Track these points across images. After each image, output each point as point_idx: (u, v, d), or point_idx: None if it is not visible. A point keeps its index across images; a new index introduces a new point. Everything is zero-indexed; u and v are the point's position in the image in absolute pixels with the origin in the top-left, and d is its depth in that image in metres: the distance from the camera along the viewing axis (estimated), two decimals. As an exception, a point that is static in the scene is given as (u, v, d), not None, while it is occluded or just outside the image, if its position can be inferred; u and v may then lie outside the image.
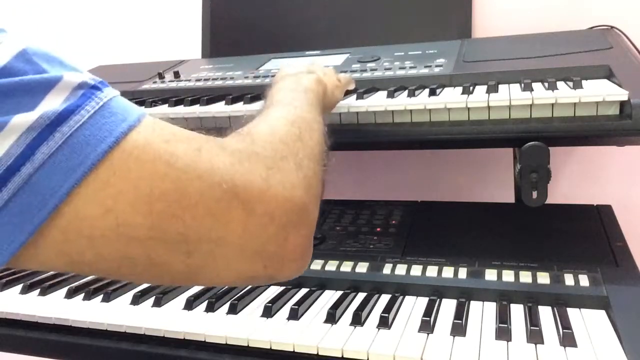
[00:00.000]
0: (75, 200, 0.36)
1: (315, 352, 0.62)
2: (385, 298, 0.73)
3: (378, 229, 0.89)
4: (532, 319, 0.64)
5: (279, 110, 0.55)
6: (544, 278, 0.72)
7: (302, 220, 0.45)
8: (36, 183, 0.35)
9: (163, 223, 0.39)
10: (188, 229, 0.39)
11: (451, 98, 0.74)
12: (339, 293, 0.76)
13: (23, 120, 0.35)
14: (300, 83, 0.64)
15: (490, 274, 0.74)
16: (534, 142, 0.67)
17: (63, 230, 0.37)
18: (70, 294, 0.80)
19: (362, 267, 0.79)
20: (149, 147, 0.39)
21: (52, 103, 0.36)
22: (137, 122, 0.39)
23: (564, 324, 0.62)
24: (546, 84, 0.73)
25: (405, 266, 0.78)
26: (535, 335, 0.61)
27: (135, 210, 0.38)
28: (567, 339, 0.59)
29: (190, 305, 0.74)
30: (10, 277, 0.88)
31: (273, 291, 0.78)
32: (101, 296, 0.79)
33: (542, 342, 0.60)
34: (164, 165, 0.39)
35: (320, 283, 0.79)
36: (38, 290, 0.83)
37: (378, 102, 0.77)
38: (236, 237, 0.41)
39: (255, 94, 0.84)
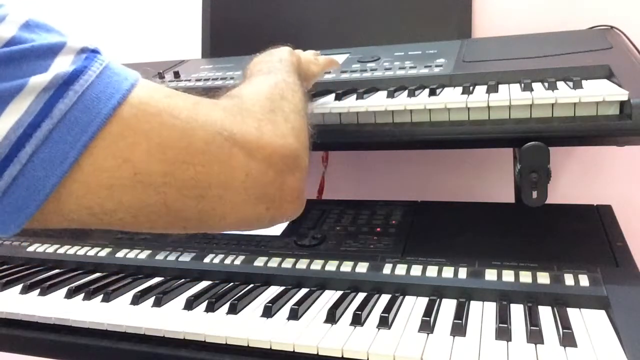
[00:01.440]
0: (93, 153, 0.39)
1: (315, 352, 0.62)
2: (385, 298, 0.73)
3: (378, 229, 0.89)
4: (532, 319, 0.64)
5: (261, 77, 0.59)
6: (544, 278, 0.72)
7: (297, 165, 0.49)
8: (56, 138, 0.38)
9: (176, 169, 0.42)
10: (198, 174, 0.43)
11: (451, 98, 0.74)
12: (339, 293, 0.76)
13: (39, 80, 0.37)
14: (274, 55, 0.68)
15: (490, 274, 0.74)
16: (534, 142, 0.67)
17: (84, 182, 0.39)
18: (70, 294, 0.80)
19: (362, 267, 0.79)
20: (153, 101, 0.42)
21: (62, 65, 0.39)
22: (137, 81, 0.43)
23: (564, 324, 0.62)
24: (546, 84, 0.73)
25: (405, 266, 0.78)
26: (535, 335, 0.61)
27: (149, 159, 0.41)
28: (567, 339, 0.59)
29: (190, 305, 0.74)
30: (11, 277, 0.88)
31: (273, 291, 0.78)
32: (101, 296, 0.79)
33: (542, 342, 0.60)
34: (169, 117, 0.42)
35: (320, 283, 0.79)
36: (38, 290, 0.83)
37: (378, 102, 0.77)
38: (240, 180, 0.45)
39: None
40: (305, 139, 0.53)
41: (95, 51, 0.42)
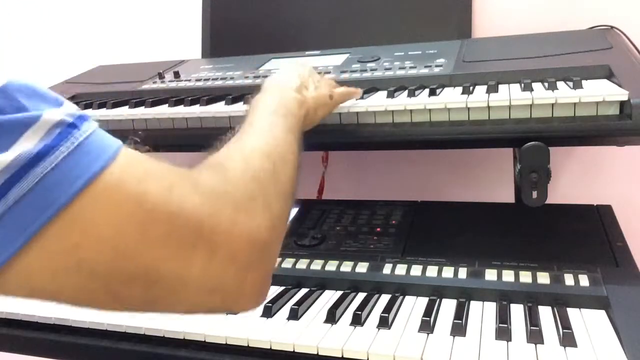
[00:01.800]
0: (41, 238, 0.37)
1: (315, 352, 0.62)
2: (385, 298, 0.73)
3: (378, 229, 0.89)
4: (532, 319, 0.64)
5: (256, 139, 0.55)
6: (544, 278, 0.72)
7: (263, 260, 0.47)
8: (7, 221, 0.36)
9: (125, 260, 0.40)
10: (148, 267, 0.41)
11: (451, 98, 0.74)
12: (339, 293, 0.76)
13: (0, 160, 0.35)
14: (282, 105, 0.63)
15: (490, 274, 0.74)
16: (534, 142, 0.67)
17: (28, 266, 0.38)
18: (70, 294, 0.80)
19: (362, 267, 0.79)
20: (121, 188, 0.39)
21: (28, 143, 0.36)
22: (111, 161, 0.39)
23: (564, 324, 0.62)
24: (546, 84, 0.73)
25: (405, 266, 0.78)
26: (535, 335, 0.61)
27: (99, 248, 0.39)
28: (567, 339, 0.59)
29: (190, 305, 0.74)
30: (10, 277, 0.88)
31: (273, 291, 0.78)
32: (101, 296, 0.79)
33: (542, 342, 0.60)
34: (132, 206, 0.39)
35: (320, 283, 0.79)
36: (38, 290, 0.83)
37: (378, 102, 0.77)
38: (196, 275, 0.43)
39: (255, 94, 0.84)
40: (283, 226, 0.52)
41: (73, 124, 0.39)
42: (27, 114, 0.37)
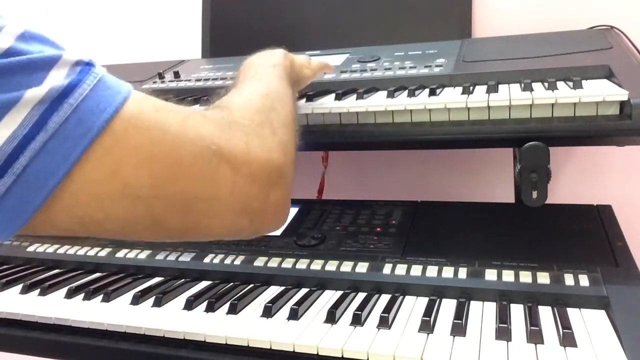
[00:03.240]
0: (84, 165, 0.40)
1: (315, 352, 0.62)
2: (385, 298, 0.73)
3: (378, 229, 0.89)
4: (532, 319, 0.64)
5: (252, 85, 0.59)
6: (544, 278, 0.72)
7: (281, 180, 0.50)
8: (50, 150, 0.38)
9: (163, 183, 0.43)
10: (185, 188, 0.44)
11: (451, 98, 0.74)
12: (339, 293, 0.76)
13: (34, 93, 0.38)
14: (268, 58, 0.68)
15: (490, 274, 0.74)
16: (534, 142, 0.67)
17: (74, 193, 0.40)
18: (70, 294, 0.80)
19: (362, 267, 0.79)
20: (144, 116, 0.43)
21: (57, 78, 0.39)
22: (129, 94, 0.43)
23: (564, 324, 0.62)
24: (546, 84, 0.73)
25: (405, 266, 0.78)
26: (535, 335, 0.61)
27: (137, 173, 0.42)
28: (567, 339, 0.59)
29: (190, 305, 0.74)
30: (10, 277, 0.88)
31: (273, 291, 0.78)
32: (101, 296, 0.79)
33: (542, 342, 0.60)
34: (158, 132, 0.43)
35: (320, 283, 0.79)
36: (38, 290, 0.83)
37: (378, 102, 0.77)
38: (226, 195, 0.46)
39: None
40: (292, 152, 0.54)
41: (89, 64, 0.42)
42: (49, 54, 0.40)
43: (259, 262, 0.84)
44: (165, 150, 0.43)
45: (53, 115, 0.39)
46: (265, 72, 0.64)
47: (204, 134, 0.46)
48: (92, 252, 0.94)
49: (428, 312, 0.67)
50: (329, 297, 0.76)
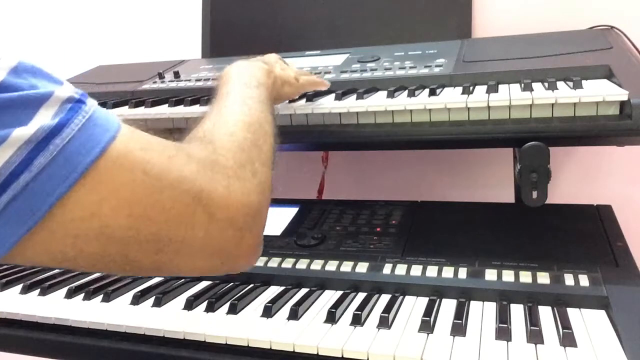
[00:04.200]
0: (65, 204, 0.40)
1: (315, 352, 0.62)
2: (385, 298, 0.73)
3: (378, 229, 0.89)
4: (532, 319, 0.64)
5: (235, 111, 0.59)
6: (544, 278, 0.72)
7: (256, 222, 0.51)
8: (32, 189, 0.39)
9: (140, 225, 0.43)
10: (160, 230, 0.44)
11: (451, 98, 0.74)
12: (339, 293, 0.76)
13: (22, 133, 0.38)
14: (252, 75, 0.67)
15: (490, 274, 0.74)
16: (534, 142, 0.67)
17: (52, 231, 0.40)
18: (70, 294, 0.80)
19: (362, 267, 0.79)
20: (129, 155, 0.43)
21: (46, 117, 0.40)
22: (117, 132, 0.43)
23: (564, 324, 0.62)
24: (546, 84, 0.73)
25: (405, 266, 0.78)
26: (535, 335, 0.61)
27: (116, 214, 0.42)
28: (567, 339, 0.59)
29: (190, 305, 0.74)
30: (10, 277, 0.88)
31: (273, 291, 0.78)
32: (101, 296, 0.79)
33: (542, 342, 0.60)
34: (141, 173, 0.43)
35: (320, 283, 0.79)
36: (38, 290, 0.83)
37: (378, 102, 0.77)
38: (199, 238, 0.46)
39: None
40: (269, 191, 0.54)
41: (80, 100, 0.42)
42: (41, 90, 0.40)
43: (259, 262, 0.84)
44: (146, 192, 0.43)
45: (39, 156, 0.39)
46: (247, 93, 0.63)
47: (186, 176, 0.46)
48: (92, 252, 0.94)
49: (428, 312, 0.67)
50: (329, 297, 0.76)
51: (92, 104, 0.43)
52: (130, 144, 0.43)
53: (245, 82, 0.65)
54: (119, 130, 0.43)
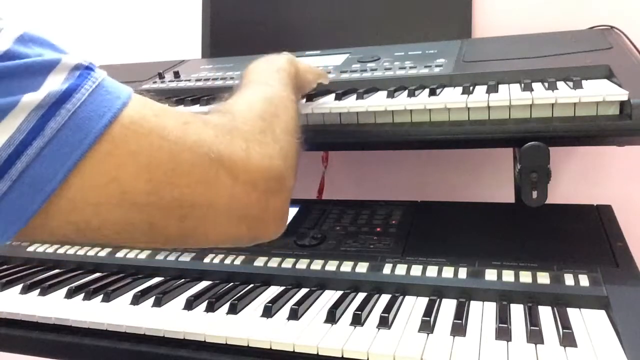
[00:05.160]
0: (81, 171, 0.39)
1: (315, 352, 0.62)
2: (385, 298, 0.73)
3: (378, 229, 0.89)
4: (532, 319, 0.64)
5: (256, 89, 0.59)
6: (544, 278, 0.72)
7: (281, 187, 0.50)
8: (47, 156, 0.38)
9: (161, 190, 0.42)
10: (183, 195, 0.44)
11: (451, 98, 0.74)
12: (339, 293, 0.76)
13: (32, 98, 0.38)
14: (273, 63, 0.68)
15: (490, 274, 0.74)
16: (534, 142, 0.67)
17: (71, 199, 0.40)
18: (70, 294, 0.80)
19: (362, 267, 0.79)
20: (143, 121, 0.42)
21: (55, 83, 0.39)
22: (129, 99, 0.42)
23: (564, 324, 0.62)
24: (546, 84, 0.73)
25: (405, 266, 0.78)
26: (535, 335, 0.61)
27: (136, 179, 0.41)
28: (567, 339, 0.59)
29: (190, 305, 0.74)
30: (10, 277, 0.88)
31: (273, 291, 0.78)
32: (101, 296, 0.79)
33: (542, 342, 0.60)
34: (158, 138, 0.42)
35: (320, 283, 0.79)
36: (38, 290, 0.83)
37: (378, 102, 0.77)
38: (224, 202, 0.46)
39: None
40: (293, 159, 0.54)
41: (89, 67, 0.42)
42: (48, 57, 0.40)
43: (259, 262, 0.84)
44: (164, 156, 0.43)
45: (50, 121, 0.38)
46: (269, 76, 0.63)
47: (204, 140, 0.45)
48: (92, 252, 0.94)
49: (428, 312, 0.67)
50: (329, 297, 0.76)
51: (101, 72, 0.43)
52: (143, 110, 0.43)
53: (265, 67, 0.66)
54: (130, 97, 0.43)
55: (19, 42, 0.39)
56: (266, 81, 0.62)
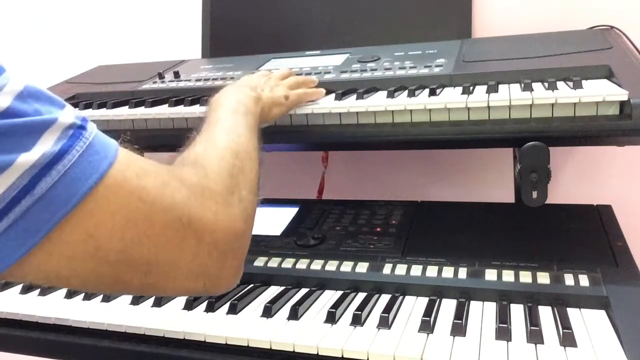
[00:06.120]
0: (63, 228, 0.41)
1: (315, 352, 0.62)
2: (385, 298, 0.73)
3: (378, 229, 0.89)
4: (532, 319, 0.64)
5: (224, 138, 0.61)
6: (544, 278, 0.72)
7: (240, 246, 0.53)
8: (32, 213, 0.40)
9: (132, 248, 0.45)
10: (150, 254, 0.46)
11: (451, 98, 0.74)
12: (339, 293, 0.76)
13: (27, 159, 0.39)
14: (241, 103, 0.69)
15: (490, 274, 0.74)
16: (534, 142, 0.67)
17: (49, 253, 0.42)
18: (70, 294, 0.80)
19: (362, 267, 0.79)
20: (125, 183, 0.44)
21: (49, 143, 0.41)
22: (114, 159, 0.44)
23: (564, 324, 0.62)
24: (546, 84, 0.73)
25: (405, 266, 0.78)
26: (535, 335, 0.61)
27: (110, 237, 0.44)
28: (567, 339, 0.59)
29: (190, 305, 0.74)
30: (10, 277, 0.88)
31: (273, 291, 0.78)
32: (101, 296, 0.79)
33: (542, 342, 0.60)
34: (136, 200, 0.45)
35: (320, 283, 0.79)
36: (38, 290, 0.83)
37: (378, 102, 0.77)
38: (187, 261, 0.48)
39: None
40: (253, 218, 0.57)
41: (81, 127, 0.43)
42: (45, 117, 0.41)
43: (259, 262, 0.84)
44: (140, 217, 0.45)
45: (41, 182, 0.40)
46: (236, 120, 0.65)
47: (177, 202, 0.47)
48: (92, 252, 0.94)
49: (428, 312, 0.67)
50: (329, 297, 0.76)
51: (92, 129, 0.44)
52: (127, 171, 0.45)
53: (233, 109, 0.67)
54: (116, 157, 0.44)
55: (18, 99, 0.40)
56: (233, 126, 0.64)
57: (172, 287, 0.50)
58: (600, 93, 0.66)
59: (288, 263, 0.83)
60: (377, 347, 0.61)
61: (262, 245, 0.88)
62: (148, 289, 0.50)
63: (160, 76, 1.06)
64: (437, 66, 0.88)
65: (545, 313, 0.67)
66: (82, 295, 0.80)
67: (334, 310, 0.68)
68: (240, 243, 0.53)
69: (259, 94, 0.75)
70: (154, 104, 0.90)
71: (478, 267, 0.76)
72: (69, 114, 0.43)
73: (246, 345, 0.66)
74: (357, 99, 0.78)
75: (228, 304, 0.73)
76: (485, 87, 0.76)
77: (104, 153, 0.44)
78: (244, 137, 0.63)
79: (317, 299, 0.75)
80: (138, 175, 0.46)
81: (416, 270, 0.77)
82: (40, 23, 1.53)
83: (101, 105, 0.94)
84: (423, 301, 0.72)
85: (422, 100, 0.74)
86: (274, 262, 0.83)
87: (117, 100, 0.95)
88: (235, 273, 0.54)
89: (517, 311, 0.67)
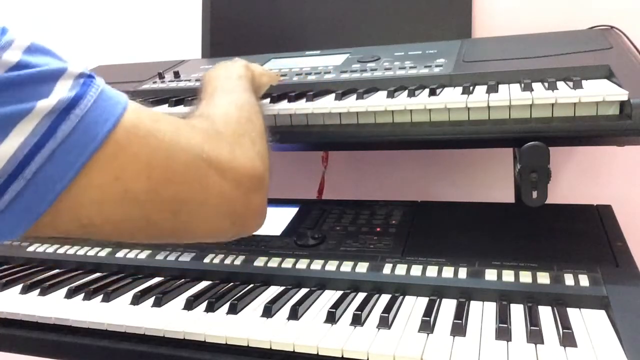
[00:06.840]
0: (88, 171, 0.43)
1: (315, 352, 0.62)
2: (385, 298, 0.73)
3: (378, 229, 0.89)
4: (532, 319, 0.64)
5: (225, 97, 0.64)
6: (544, 278, 0.72)
7: (261, 185, 0.55)
8: (58, 157, 0.41)
9: (159, 187, 0.46)
10: (177, 192, 0.48)
11: (451, 98, 0.74)
12: (339, 293, 0.76)
13: (45, 104, 0.41)
14: (232, 70, 0.73)
15: (490, 274, 0.74)
16: (534, 142, 0.67)
17: (78, 198, 0.43)
18: (70, 294, 0.80)
19: (362, 267, 0.79)
20: (142, 125, 0.46)
21: (63, 90, 0.42)
22: (127, 105, 0.46)
23: (564, 324, 0.62)
24: (546, 84, 0.73)
25: (405, 266, 0.78)
26: (535, 335, 0.61)
27: (137, 178, 0.45)
28: (567, 339, 0.59)
29: (190, 305, 0.74)
30: (10, 277, 0.88)
31: (273, 291, 0.78)
32: (101, 296, 0.79)
33: (542, 342, 0.60)
34: (155, 139, 0.46)
35: (320, 283, 0.79)
36: (38, 290, 0.83)
37: (378, 102, 0.77)
38: (213, 198, 0.50)
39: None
40: (268, 160, 0.58)
41: (91, 76, 0.45)
42: (56, 66, 0.43)
43: (259, 262, 0.84)
44: (162, 157, 0.46)
45: (62, 125, 0.41)
46: (232, 84, 0.68)
47: (194, 143, 0.49)
48: (92, 252, 0.94)
49: (428, 312, 0.67)
50: (329, 297, 0.76)
51: (100, 80, 0.46)
52: (141, 115, 0.47)
53: (227, 75, 0.71)
54: (128, 103, 0.46)
55: (27, 53, 0.42)
56: (231, 89, 0.66)
57: (203, 228, 0.51)
58: (600, 93, 0.66)
59: (288, 263, 0.83)
60: (377, 347, 0.61)
61: (262, 245, 0.89)
62: (180, 231, 0.50)
63: (160, 76, 1.06)
64: (437, 66, 0.88)
65: (545, 313, 0.67)
66: (82, 295, 0.80)
67: (334, 310, 0.68)
68: (261, 182, 0.55)
69: (245, 62, 0.78)
70: (154, 104, 0.90)
71: (478, 267, 0.76)
72: (77, 65, 0.44)
73: (246, 345, 0.66)
74: (357, 99, 0.78)
75: (228, 304, 0.73)
76: (485, 87, 0.76)
77: (116, 99, 0.46)
78: (244, 94, 0.66)
79: (317, 299, 0.75)
80: (152, 119, 0.48)
81: (416, 270, 0.77)
82: (40, 23, 1.53)
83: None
84: (423, 301, 0.72)
85: (422, 100, 0.74)
86: (274, 262, 0.83)
87: (117, 100, 0.95)
88: (261, 212, 0.55)
89: (517, 311, 0.67)
